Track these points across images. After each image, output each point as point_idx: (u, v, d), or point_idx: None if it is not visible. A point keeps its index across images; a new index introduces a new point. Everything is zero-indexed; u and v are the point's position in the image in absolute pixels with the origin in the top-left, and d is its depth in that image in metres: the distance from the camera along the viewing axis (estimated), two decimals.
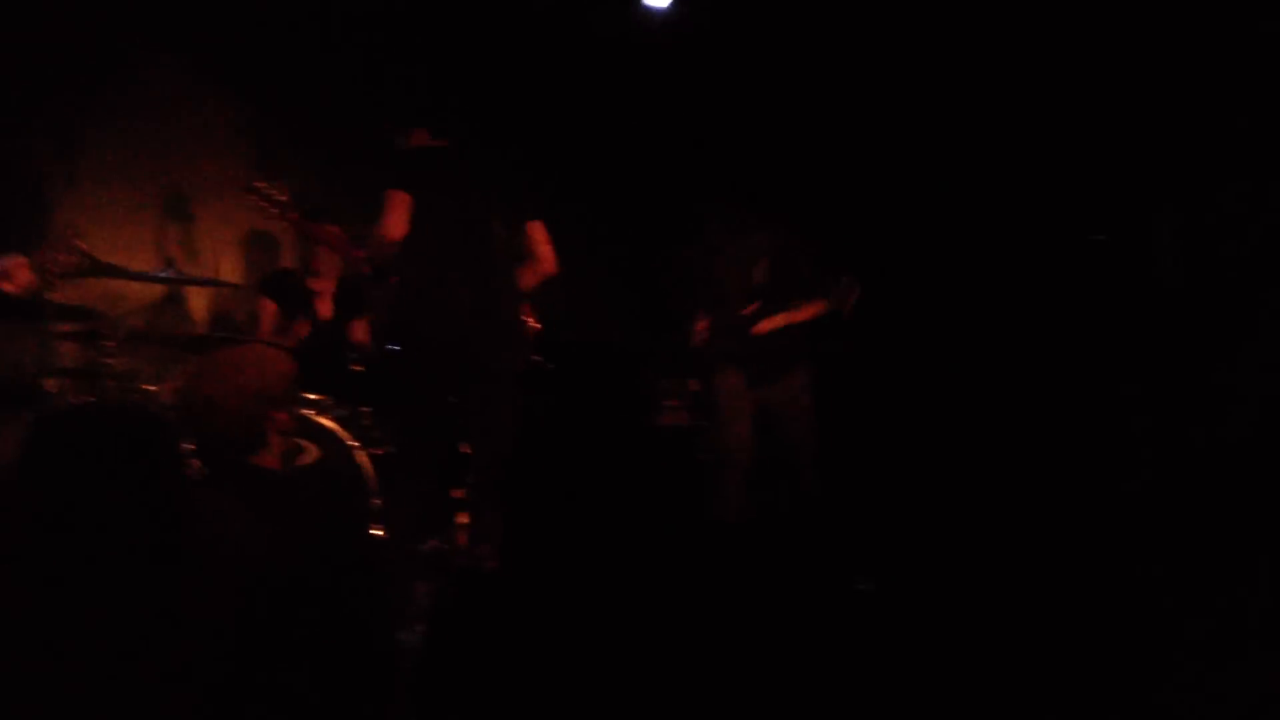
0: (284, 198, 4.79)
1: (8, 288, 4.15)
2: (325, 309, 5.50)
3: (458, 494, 5.06)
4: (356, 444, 4.67)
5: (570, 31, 6.44)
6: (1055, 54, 5.69)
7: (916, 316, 5.99)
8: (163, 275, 5.11)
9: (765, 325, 5.13)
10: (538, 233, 4.78)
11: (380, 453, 4.75)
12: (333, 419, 4.72)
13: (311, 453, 4.58)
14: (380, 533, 4.36)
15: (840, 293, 5.08)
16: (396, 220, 4.53)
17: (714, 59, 6.45)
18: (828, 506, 5.09)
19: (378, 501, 4.57)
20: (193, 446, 2.79)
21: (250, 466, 2.81)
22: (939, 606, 4.13)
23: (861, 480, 5.59)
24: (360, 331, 5.39)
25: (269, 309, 5.48)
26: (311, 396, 4.71)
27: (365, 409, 4.85)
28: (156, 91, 5.74)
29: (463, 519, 5.03)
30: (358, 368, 4.87)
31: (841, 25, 6.18)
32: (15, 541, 1.60)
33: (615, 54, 6.50)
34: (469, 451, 4.91)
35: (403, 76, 5.95)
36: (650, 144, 6.63)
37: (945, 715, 3.02)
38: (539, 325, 4.84)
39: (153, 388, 4.90)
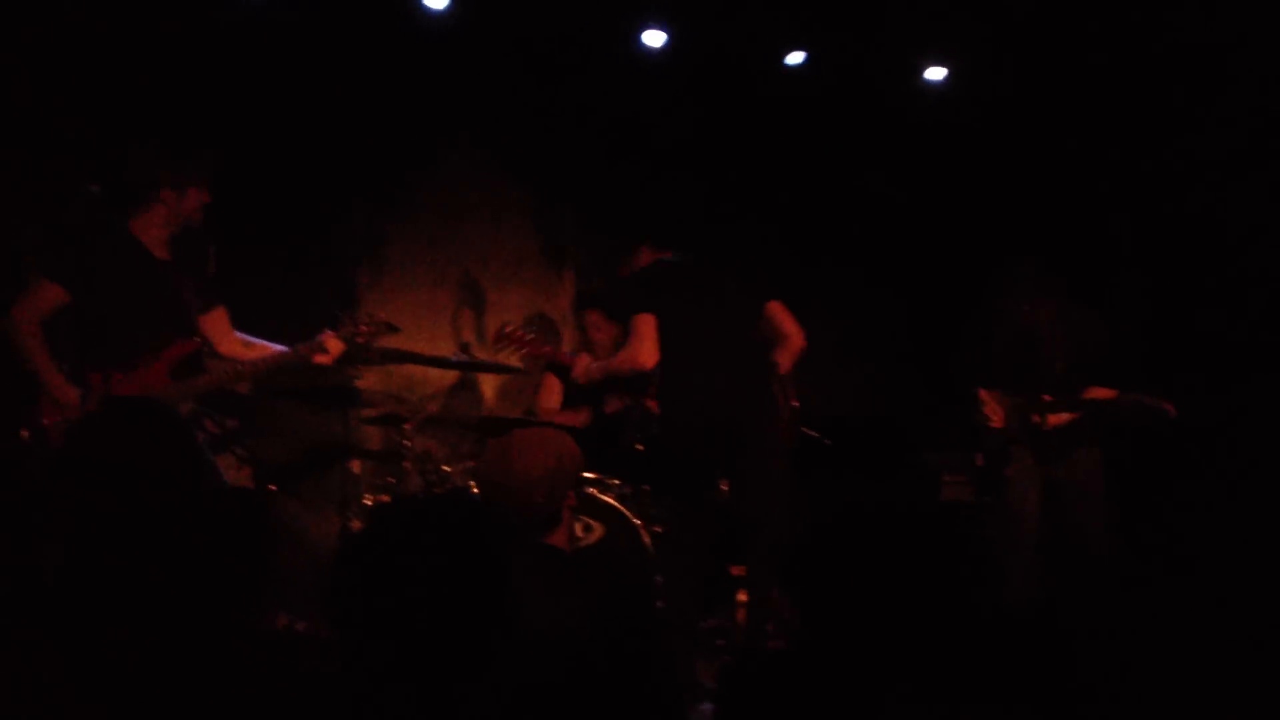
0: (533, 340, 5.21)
1: (321, 359, 4.50)
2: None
3: (737, 571, 5.05)
4: (639, 522, 4.76)
5: (846, 103, 6.42)
6: None
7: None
8: (452, 360, 5.38)
9: (1055, 419, 4.89)
10: (778, 312, 4.79)
11: (661, 530, 4.83)
12: (615, 497, 4.83)
13: (596, 531, 4.70)
14: (662, 610, 4.41)
15: (1141, 407, 4.76)
16: (649, 348, 4.59)
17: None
18: (1119, 594, 4.78)
19: (659, 579, 4.63)
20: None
21: (543, 545, 2.90)
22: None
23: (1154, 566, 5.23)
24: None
25: (555, 386, 5.64)
26: (592, 475, 4.83)
27: (646, 487, 4.93)
28: (451, 184, 6.06)
29: (743, 596, 5.02)
30: (639, 447, 4.95)
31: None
32: (357, 615, 1.74)
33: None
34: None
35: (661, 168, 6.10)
36: (928, 210, 6.48)
37: None
38: (797, 402, 4.79)
39: (447, 468, 5.15)
